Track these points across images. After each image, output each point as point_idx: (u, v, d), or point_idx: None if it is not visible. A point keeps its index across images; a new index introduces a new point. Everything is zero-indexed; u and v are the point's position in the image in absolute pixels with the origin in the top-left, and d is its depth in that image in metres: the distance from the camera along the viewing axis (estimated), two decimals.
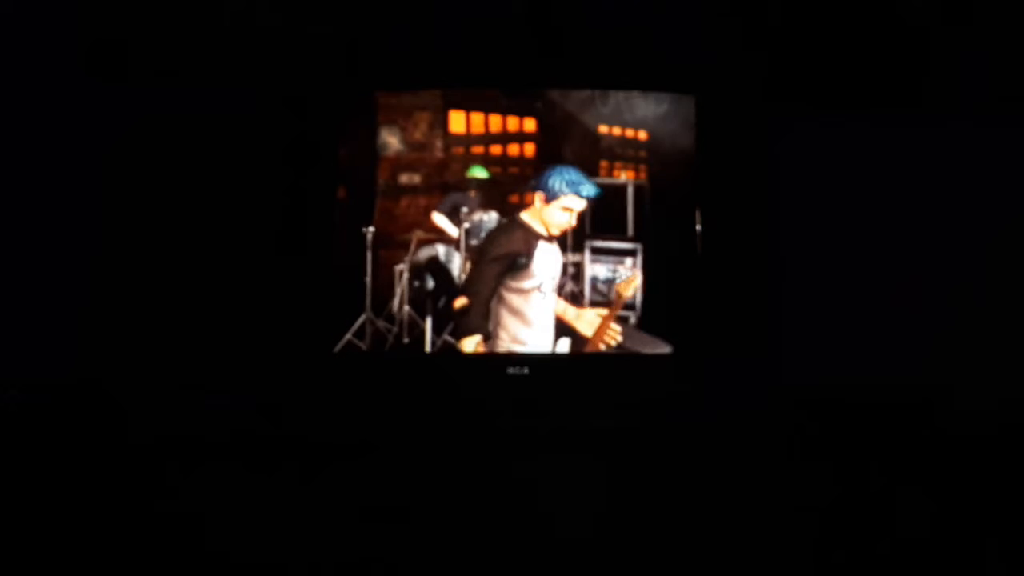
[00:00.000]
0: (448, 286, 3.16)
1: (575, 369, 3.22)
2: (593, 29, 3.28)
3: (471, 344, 3.16)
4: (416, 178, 3.20)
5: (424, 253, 3.17)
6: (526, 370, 3.17)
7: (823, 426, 3.05)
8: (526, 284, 3.18)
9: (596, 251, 3.22)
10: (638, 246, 3.22)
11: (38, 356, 3.10)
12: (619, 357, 3.20)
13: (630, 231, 3.22)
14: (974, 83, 3.23)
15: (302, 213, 3.20)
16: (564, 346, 3.20)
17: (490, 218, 3.21)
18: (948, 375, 3.13)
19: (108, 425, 3.00)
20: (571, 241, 3.20)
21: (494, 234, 3.21)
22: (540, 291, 3.18)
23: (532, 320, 3.19)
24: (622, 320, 3.20)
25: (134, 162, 3.22)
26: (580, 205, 3.16)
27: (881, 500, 2.89)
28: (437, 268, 3.17)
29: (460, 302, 3.15)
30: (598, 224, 3.21)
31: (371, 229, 3.18)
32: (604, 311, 3.19)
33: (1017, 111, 3.22)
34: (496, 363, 3.19)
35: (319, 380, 3.13)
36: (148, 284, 3.19)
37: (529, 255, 3.17)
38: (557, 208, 3.16)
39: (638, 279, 3.19)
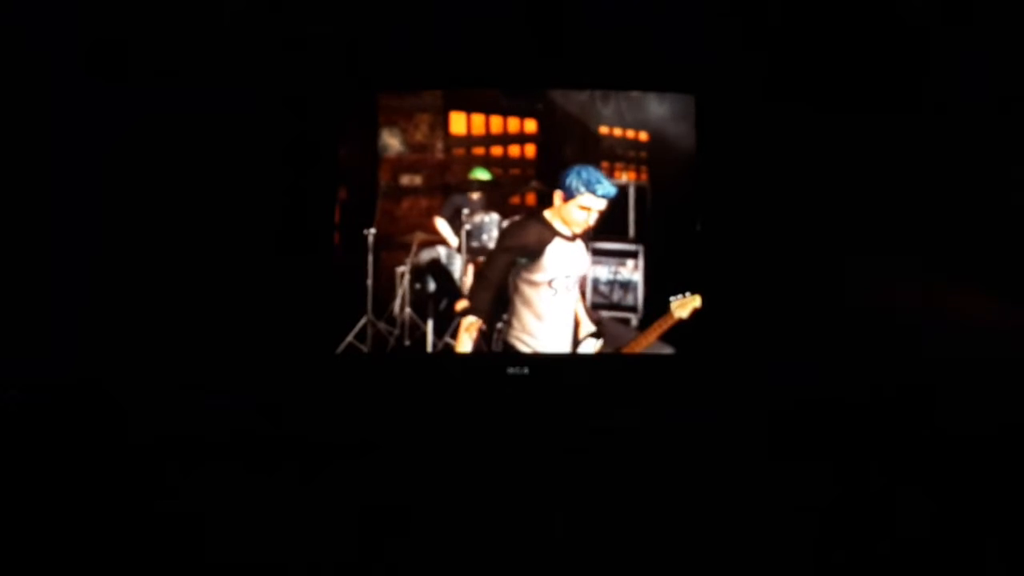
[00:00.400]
0: (449, 288, 3.16)
1: (575, 369, 3.23)
2: (593, 29, 3.27)
3: (466, 323, 3.18)
4: (417, 179, 3.21)
5: (425, 255, 3.17)
6: (526, 370, 3.17)
7: (823, 426, 3.05)
8: (537, 277, 3.19)
9: (597, 252, 3.23)
10: (639, 247, 3.22)
11: (38, 356, 3.09)
12: (619, 357, 3.20)
13: (631, 232, 3.23)
14: (974, 83, 3.22)
15: (302, 214, 3.20)
16: (590, 348, 3.22)
17: (491, 220, 3.22)
18: (947, 375, 3.13)
19: (108, 425, 2.99)
20: None
21: (511, 226, 3.23)
22: (551, 287, 3.18)
23: (543, 314, 3.20)
24: (623, 322, 3.21)
25: (134, 162, 3.21)
26: (598, 204, 3.16)
27: (881, 500, 2.90)
28: (438, 270, 3.17)
29: (461, 305, 3.15)
30: (599, 225, 3.21)
31: (372, 231, 3.19)
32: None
33: (1017, 111, 3.21)
34: (496, 363, 3.20)
35: (319, 380, 3.13)
36: (148, 284, 3.18)
37: (540, 250, 3.18)
38: (575, 206, 3.17)
39: (696, 301, 3.20)
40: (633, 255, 3.23)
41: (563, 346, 3.21)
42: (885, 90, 3.26)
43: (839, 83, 3.26)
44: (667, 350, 3.20)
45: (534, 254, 3.18)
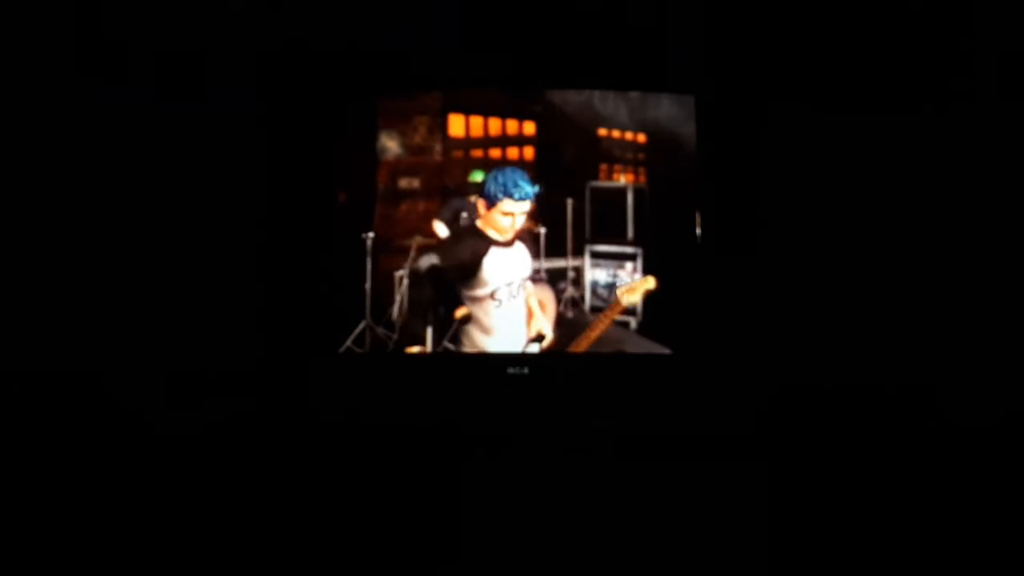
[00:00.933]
0: (448, 294, 3.14)
1: (575, 369, 3.22)
2: (593, 29, 3.25)
3: (413, 352, 3.18)
4: (415, 182, 3.19)
5: (424, 261, 3.16)
6: (526, 370, 3.17)
7: (823, 426, 3.06)
8: (478, 292, 3.17)
9: (596, 255, 3.22)
10: (638, 250, 3.22)
11: (38, 355, 3.09)
12: (619, 357, 3.20)
13: (630, 235, 3.22)
14: (974, 83, 3.20)
15: (301, 216, 3.19)
16: (534, 350, 3.22)
17: None
18: (946, 374, 3.12)
19: (107, 425, 3.01)
20: (571, 245, 3.21)
21: (441, 245, 3.20)
22: (494, 299, 3.17)
23: (491, 327, 3.19)
24: (623, 325, 3.21)
25: (134, 162, 3.20)
26: (519, 207, 3.15)
27: (881, 498, 2.91)
28: (437, 276, 3.15)
29: (461, 311, 3.14)
30: (598, 228, 3.21)
31: (370, 235, 3.18)
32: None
33: (1018, 110, 3.20)
34: (496, 363, 3.20)
35: (320, 381, 3.14)
36: (149, 285, 3.17)
37: (476, 264, 3.16)
38: (498, 213, 3.15)
39: (649, 284, 3.20)
40: (632, 258, 3.22)
41: None
42: (887, 89, 3.24)
43: (840, 83, 3.24)
44: (665, 350, 3.20)
45: (470, 270, 3.16)
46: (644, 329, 3.20)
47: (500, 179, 3.14)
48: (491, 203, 3.15)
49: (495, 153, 3.23)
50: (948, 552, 2.80)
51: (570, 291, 3.21)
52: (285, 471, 2.97)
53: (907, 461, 2.97)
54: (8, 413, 2.99)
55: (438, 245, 3.20)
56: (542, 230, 3.23)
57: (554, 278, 3.23)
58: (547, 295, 3.21)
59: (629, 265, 3.21)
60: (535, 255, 3.23)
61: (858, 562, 2.82)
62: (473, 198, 3.22)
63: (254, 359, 3.14)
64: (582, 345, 3.19)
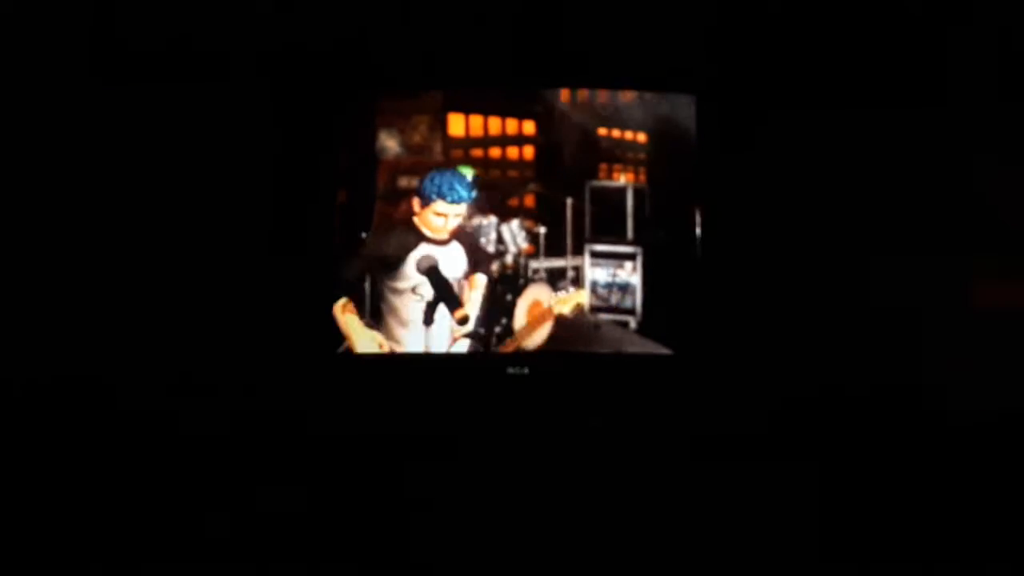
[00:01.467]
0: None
1: (575, 369, 3.22)
2: (593, 29, 3.26)
3: (339, 304, 3.17)
4: (415, 182, 3.19)
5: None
6: (526, 370, 3.17)
7: (824, 425, 3.06)
8: (400, 285, 3.18)
9: (596, 255, 3.22)
10: (638, 249, 3.22)
11: (37, 355, 3.10)
12: (619, 358, 3.20)
13: (630, 234, 3.22)
14: (975, 83, 3.21)
15: (302, 216, 3.19)
16: (462, 348, 3.23)
17: (489, 223, 3.20)
18: (950, 371, 3.13)
19: (105, 425, 3.01)
20: (571, 244, 3.21)
21: (372, 234, 3.21)
22: (416, 293, 3.17)
23: (407, 320, 3.19)
24: (622, 325, 3.21)
25: (134, 162, 3.20)
26: (453, 210, 3.17)
27: (881, 497, 2.91)
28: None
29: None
30: (598, 227, 3.21)
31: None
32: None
33: (1018, 110, 3.20)
34: (496, 363, 3.20)
35: (320, 382, 3.13)
36: (149, 285, 3.17)
37: (401, 258, 3.17)
38: (431, 213, 3.17)
39: (580, 298, 3.23)
40: (631, 257, 3.22)
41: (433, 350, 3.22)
42: (888, 88, 3.24)
43: (842, 82, 3.25)
44: (666, 350, 3.20)
45: (394, 262, 3.18)
46: (644, 329, 3.20)
47: (436, 180, 3.16)
48: (425, 202, 3.16)
49: (495, 152, 3.23)
50: (954, 552, 2.80)
51: (570, 290, 3.21)
52: (285, 471, 2.97)
53: (909, 461, 2.98)
54: (7, 413, 2.99)
55: (370, 234, 3.21)
56: (542, 229, 3.23)
57: (553, 277, 3.22)
58: (546, 294, 3.21)
59: (629, 264, 3.21)
60: (472, 256, 3.24)
61: (858, 562, 2.82)
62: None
63: (253, 359, 3.13)
64: (510, 346, 3.22)
